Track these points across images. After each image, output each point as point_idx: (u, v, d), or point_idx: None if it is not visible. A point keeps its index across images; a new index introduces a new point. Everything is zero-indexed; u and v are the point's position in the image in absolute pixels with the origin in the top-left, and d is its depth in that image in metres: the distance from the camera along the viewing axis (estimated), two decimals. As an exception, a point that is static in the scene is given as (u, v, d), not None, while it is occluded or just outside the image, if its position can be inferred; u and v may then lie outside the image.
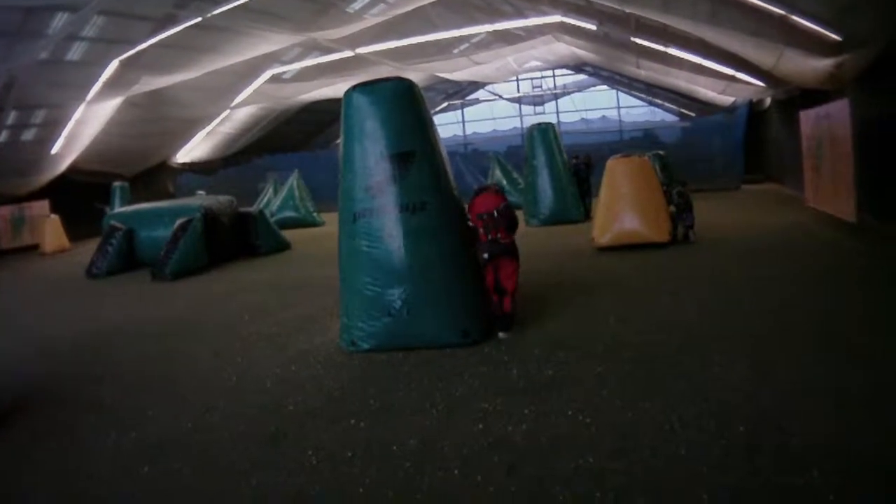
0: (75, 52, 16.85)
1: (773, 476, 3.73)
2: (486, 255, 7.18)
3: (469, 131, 39.68)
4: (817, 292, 7.76)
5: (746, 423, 4.41)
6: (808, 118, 14.64)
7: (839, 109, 12.02)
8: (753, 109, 22.61)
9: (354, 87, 7.31)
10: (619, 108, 35.75)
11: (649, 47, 18.83)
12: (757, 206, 16.60)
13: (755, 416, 4.52)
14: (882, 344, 5.74)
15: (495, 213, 7.18)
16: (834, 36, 10.96)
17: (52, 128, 20.36)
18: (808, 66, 12.74)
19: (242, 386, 6.38)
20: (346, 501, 3.95)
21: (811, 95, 14.19)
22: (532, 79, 36.65)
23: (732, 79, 19.33)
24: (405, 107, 7.26)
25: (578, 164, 17.36)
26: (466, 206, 7.53)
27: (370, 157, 7.10)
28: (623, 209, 11.63)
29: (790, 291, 7.92)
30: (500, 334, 7.13)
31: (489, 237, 7.17)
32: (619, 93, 35.30)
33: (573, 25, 20.20)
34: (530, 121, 21.89)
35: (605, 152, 16.78)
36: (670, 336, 6.57)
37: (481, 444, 4.50)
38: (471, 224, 7.39)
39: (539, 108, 37.13)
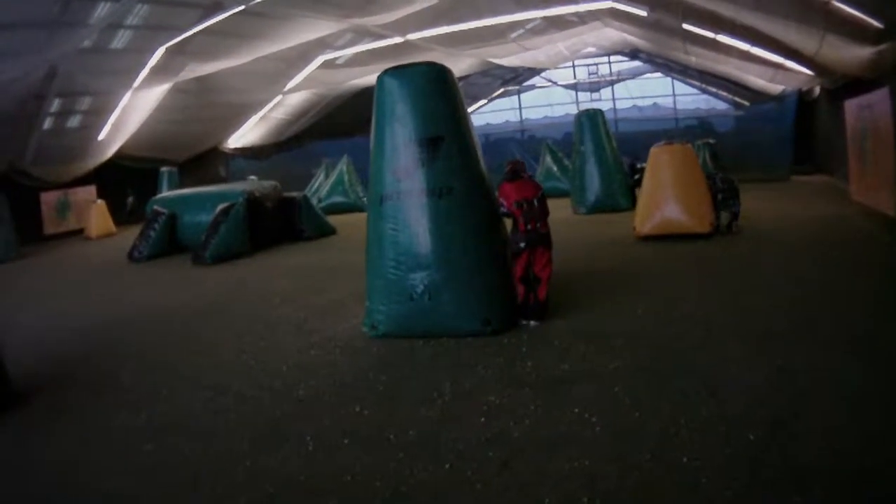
0: (120, 41, 17.05)
1: (772, 493, 3.48)
2: (522, 245, 7.04)
3: (525, 117, 39.23)
4: (849, 290, 7.31)
5: (757, 429, 4.14)
6: (851, 108, 13.91)
7: (880, 99, 11.39)
8: (803, 99, 21.61)
9: (386, 71, 7.24)
10: (674, 95, 34.74)
11: (699, 34, 18.19)
12: (803, 198, 15.88)
13: (767, 422, 4.25)
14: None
15: (535, 203, 7.05)
16: (875, 23, 10.42)
17: (97, 114, 20.70)
18: (850, 54, 12.22)
19: (259, 369, 6.43)
20: (333, 488, 3.91)
21: (858, 84, 13.44)
22: (588, 65, 35.89)
23: (780, 66, 18.49)
24: (436, 91, 7.14)
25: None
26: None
27: (399, 140, 7.02)
28: (665, 198, 11.26)
29: (822, 288, 7.52)
30: (532, 323, 7.00)
31: (528, 227, 7.02)
32: (674, 80, 34.27)
33: (623, 11, 19.66)
34: (586, 107, 21.44)
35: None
36: (693, 331, 6.32)
37: (479, 438, 4.38)
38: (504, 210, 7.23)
39: (595, 95, 36.36)
